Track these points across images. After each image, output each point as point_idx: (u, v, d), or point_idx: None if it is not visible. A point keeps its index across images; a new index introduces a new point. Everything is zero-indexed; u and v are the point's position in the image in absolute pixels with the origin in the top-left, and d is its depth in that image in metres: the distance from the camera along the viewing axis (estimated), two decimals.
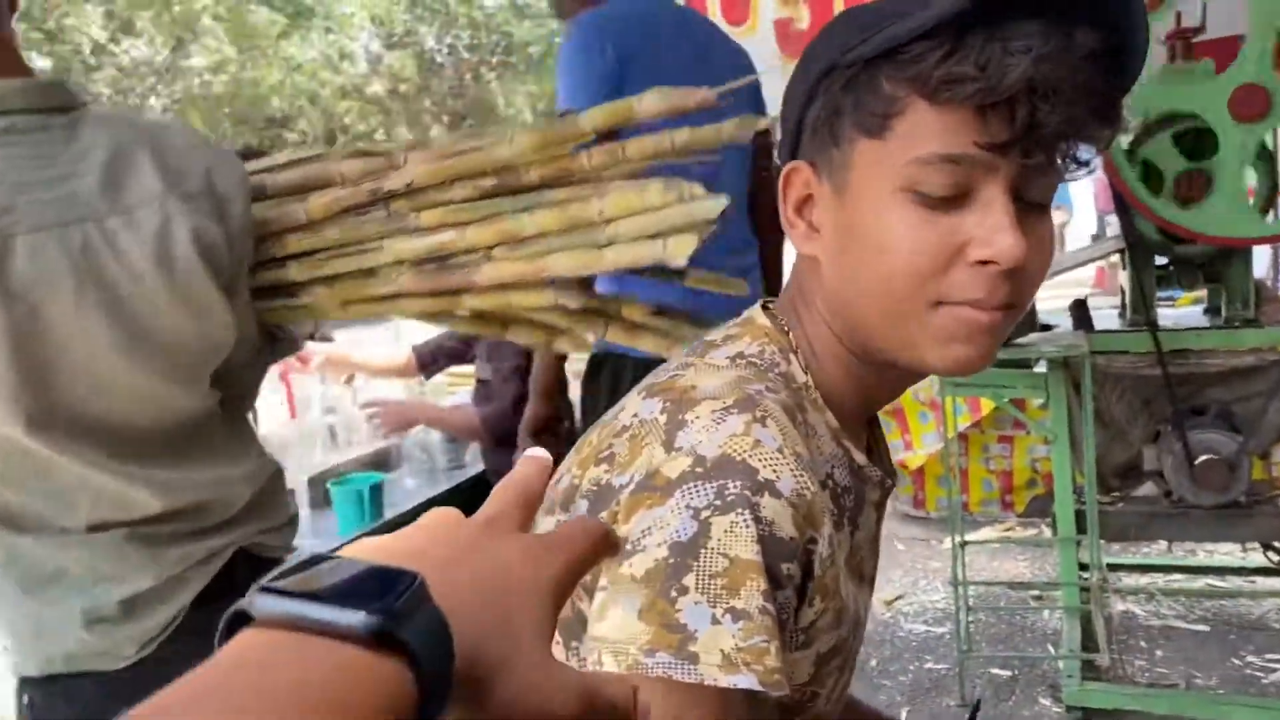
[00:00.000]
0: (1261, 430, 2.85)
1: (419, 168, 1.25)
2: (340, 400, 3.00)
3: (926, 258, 0.73)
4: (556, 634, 0.79)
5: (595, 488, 0.77)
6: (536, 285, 1.23)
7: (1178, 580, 3.50)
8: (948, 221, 0.73)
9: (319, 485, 2.62)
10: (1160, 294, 3.11)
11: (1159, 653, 3.03)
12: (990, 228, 0.72)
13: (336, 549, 0.41)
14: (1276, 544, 3.15)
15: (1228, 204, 2.66)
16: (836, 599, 0.77)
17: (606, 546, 0.47)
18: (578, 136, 1.21)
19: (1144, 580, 3.51)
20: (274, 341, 1.43)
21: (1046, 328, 3.04)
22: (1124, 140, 2.71)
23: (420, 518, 0.46)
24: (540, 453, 0.52)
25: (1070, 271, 4.46)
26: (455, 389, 3.68)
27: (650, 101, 1.18)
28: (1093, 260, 3.28)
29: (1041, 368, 2.95)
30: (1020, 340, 2.90)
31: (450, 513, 0.46)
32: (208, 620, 1.10)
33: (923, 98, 0.72)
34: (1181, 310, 3.57)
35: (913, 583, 3.63)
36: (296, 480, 2.59)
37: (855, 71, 0.75)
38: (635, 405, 0.80)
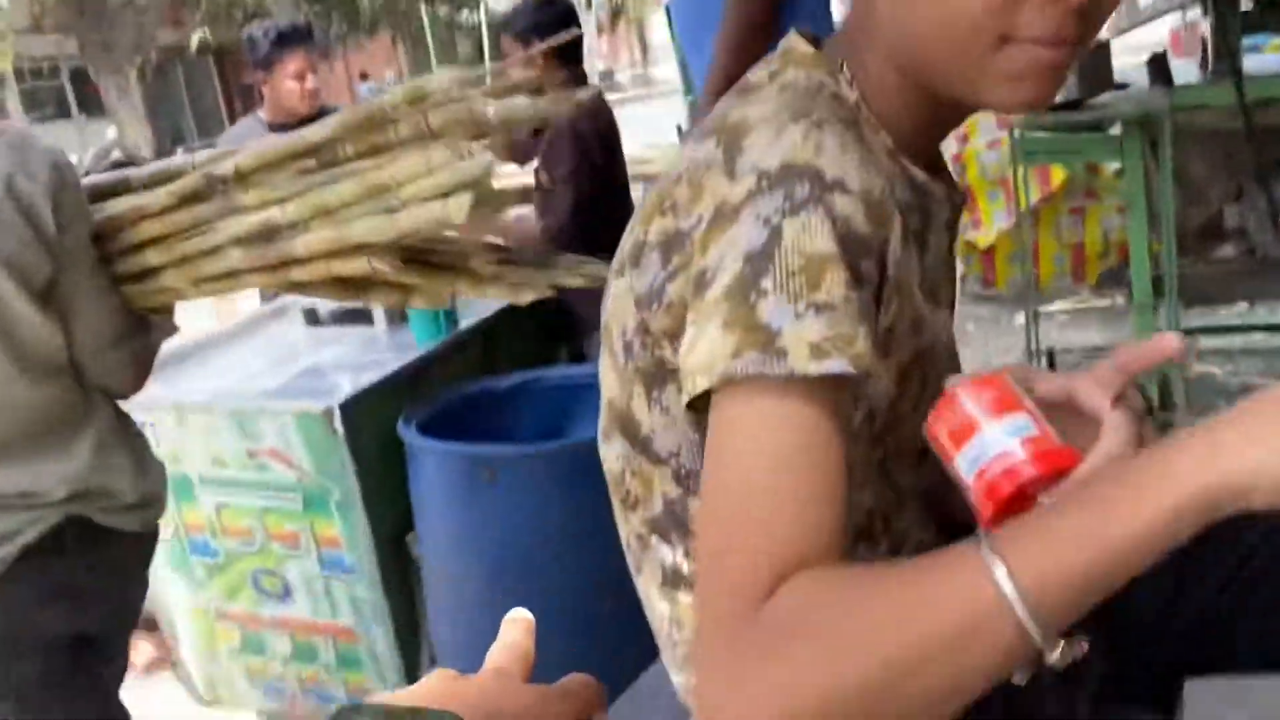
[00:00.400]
0: None
1: (244, 156, 1.38)
2: None
3: None
4: (639, 386, 0.83)
5: (663, 238, 0.78)
6: (349, 253, 1.32)
7: (1259, 340, 3.44)
8: None
9: None
10: (1246, 41, 2.94)
11: None
12: None
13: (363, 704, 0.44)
14: None
15: None
16: (911, 306, 0.78)
17: (600, 702, 0.51)
18: (381, 114, 1.31)
19: (1222, 341, 3.46)
20: (145, 327, 1.52)
21: (1121, 87, 2.91)
22: None
23: (424, 679, 0.49)
24: (523, 614, 0.54)
25: (1146, 27, 4.23)
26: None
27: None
28: (1169, 10, 3.09)
29: (1116, 130, 2.84)
30: (1095, 100, 2.78)
31: (452, 672, 0.50)
32: (29, 570, 1.28)
33: None
34: (1269, 56, 3.37)
35: (984, 361, 3.63)
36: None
37: None
38: (689, 151, 0.80)
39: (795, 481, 0.64)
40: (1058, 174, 3.92)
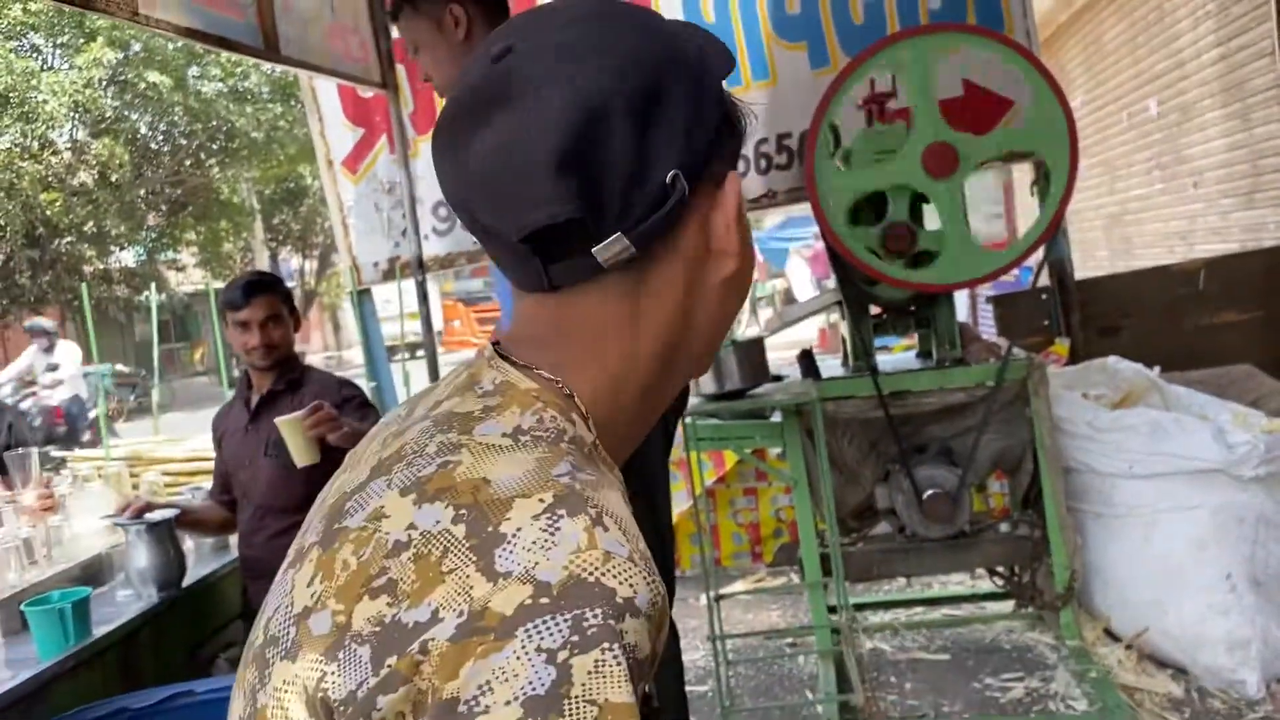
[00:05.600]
0: (976, 463, 3.06)
1: None
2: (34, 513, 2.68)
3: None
4: None
5: (377, 628, 0.63)
6: None
7: (919, 613, 3.67)
8: None
9: (13, 609, 2.31)
10: (878, 343, 3.31)
11: (908, 685, 3.16)
12: None
13: None
14: (999, 569, 3.37)
15: (957, 250, 2.86)
16: None
17: None
18: None
19: (888, 616, 3.66)
20: None
21: (778, 378, 3.15)
22: (840, 214, 2.87)
23: None
24: None
25: (795, 328, 4.70)
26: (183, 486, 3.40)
27: None
28: (814, 312, 3.45)
29: (777, 417, 3.06)
30: (755, 391, 2.99)
31: None
32: None
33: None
34: (898, 356, 3.81)
35: None
36: None
37: None
38: (402, 511, 0.66)
39: None
40: (730, 457, 4.15)
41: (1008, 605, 3.52)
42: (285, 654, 0.67)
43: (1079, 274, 4.13)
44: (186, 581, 2.62)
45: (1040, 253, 3.36)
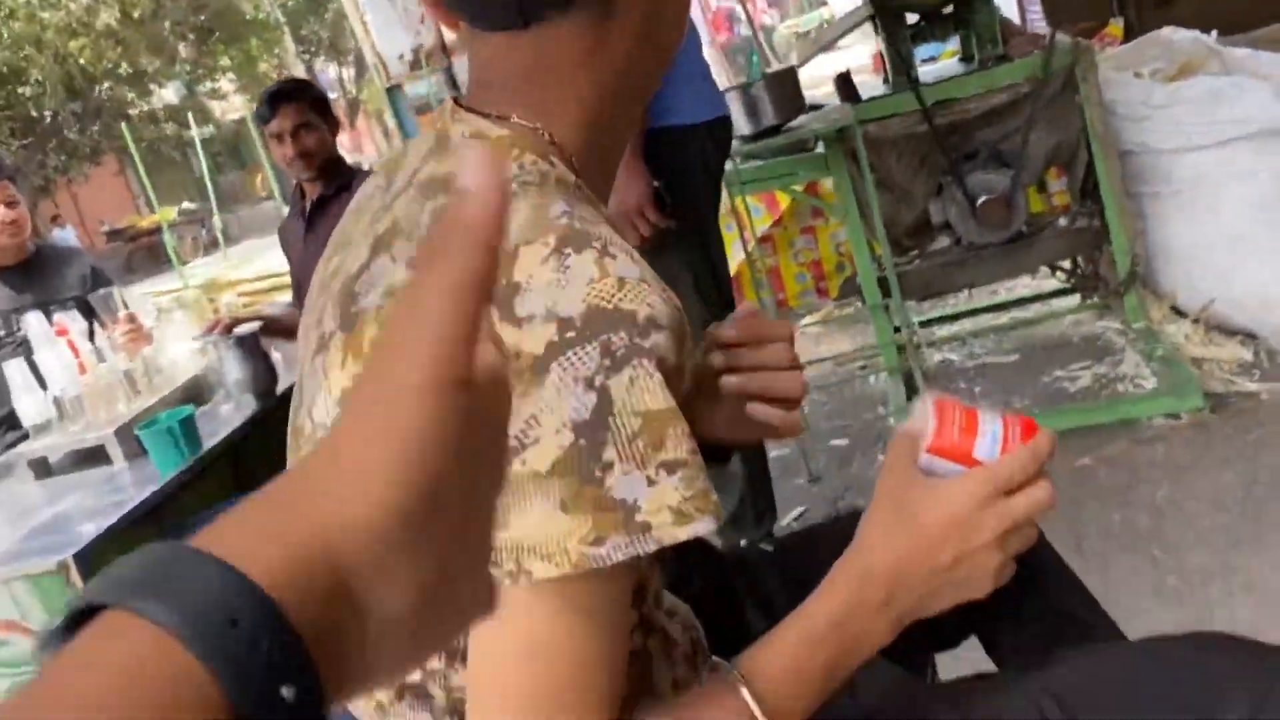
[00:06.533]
0: (1029, 162, 3.01)
1: None
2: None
3: None
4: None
5: None
6: None
7: (984, 321, 3.71)
8: None
9: (128, 435, 2.50)
10: (921, 55, 3.20)
11: (977, 389, 3.24)
12: None
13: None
14: (1061, 264, 3.37)
15: None
16: None
17: None
18: None
19: (955, 329, 3.71)
20: None
21: (815, 108, 3.09)
22: None
23: None
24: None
25: (835, 50, 4.53)
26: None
27: None
28: (847, 30, 3.32)
29: (821, 149, 3.02)
30: (792, 124, 2.94)
31: None
32: None
33: None
34: (943, 64, 3.67)
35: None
36: (105, 436, 2.46)
37: None
38: (408, 274, 0.69)
39: (601, 667, 0.66)
40: (784, 199, 4.13)
41: (1074, 300, 3.53)
42: (320, 420, 0.72)
43: None
44: (280, 388, 2.78)
45: None
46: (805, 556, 0.72)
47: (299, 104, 2.73)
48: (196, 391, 2.86)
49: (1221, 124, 2.85)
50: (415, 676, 0.75)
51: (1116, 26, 3.86)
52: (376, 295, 0.70)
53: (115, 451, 2.46)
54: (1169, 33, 3.41)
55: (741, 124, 2.90)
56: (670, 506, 0.62)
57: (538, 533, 0.61)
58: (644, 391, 0.62)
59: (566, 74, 0.75)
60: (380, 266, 0.72)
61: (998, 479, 0.71)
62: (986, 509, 0.70)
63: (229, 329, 2.70)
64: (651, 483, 0.62)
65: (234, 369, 2.67)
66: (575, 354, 0.62)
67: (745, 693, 0.68)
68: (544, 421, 0.62)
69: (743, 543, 2.30)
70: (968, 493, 0.71)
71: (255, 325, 2.75)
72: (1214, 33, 3.37)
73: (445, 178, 0.74)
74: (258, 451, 2.48)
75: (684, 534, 0.62)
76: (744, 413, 0.87)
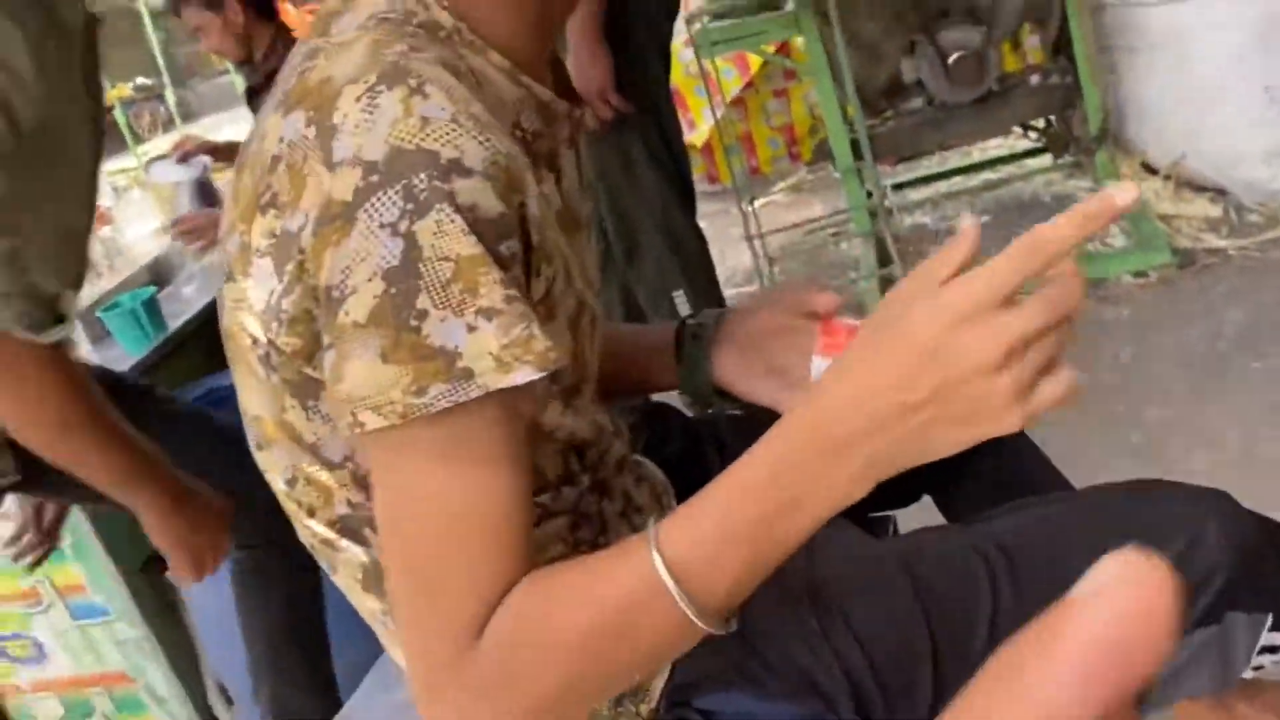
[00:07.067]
0: (1000, 16, 2.93)
1: None
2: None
3: None
4: (290, 399, 0.73)
5: (271, 241, 0.67)
6: None
7: (956, 183, 3.69)
8: None
9: (92, 318, 2.47)
10: None
11: None
12: None
13: None
14: (1033, 123, 3.33)
15: None
16: (560, 258, 0.73)
17: None
18: None
19: (928, 191, 3.69)
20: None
21: None
22: None
23: None
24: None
25: None
26: None
27: None
28: None
29: (790, 5, 2.93)
30: None
31: None
32: None
33: None
34: None
35: (719, 253, 3.72)
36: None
37: None
38: (276, 126, 0.68)
39: (484, 516, 0.64)
40: (755, 61, 4.03)
41: (1046, 160, 3.50)
42: (227, 277, 0.73)
43: None
44: None
45: None
46: (772, 419, 0.68)
47: (185, 7, 2.64)
48: (158, 272, 2.82)
49: None
50: (344, 510, 0.77)
51: None
52: (255, 143, 0.71)
53: (79, 334, 2.43)
54: None
55: None
56: (490, 353, 0.61)
57: (366, 384, 0.62)
58: (451, 238, 0.61)
59: None
60: (263, 114, 0.72)
61: (974, 292, 0.56)
62: (963, 329, 0.56)
63: (192, 154, 2.61)
64: (471, 329, 0.61)
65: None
66: (379, 199, 0.61)
67: (653, 548, 0.62)
68: (357, 271, 0.61)
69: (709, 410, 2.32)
70: (930, 314, 0.57)
71: (207, 159, 2.66)
72: None
73: (324, 17, 0.73)
74: None
75: (505, 382, 0.62)
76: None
